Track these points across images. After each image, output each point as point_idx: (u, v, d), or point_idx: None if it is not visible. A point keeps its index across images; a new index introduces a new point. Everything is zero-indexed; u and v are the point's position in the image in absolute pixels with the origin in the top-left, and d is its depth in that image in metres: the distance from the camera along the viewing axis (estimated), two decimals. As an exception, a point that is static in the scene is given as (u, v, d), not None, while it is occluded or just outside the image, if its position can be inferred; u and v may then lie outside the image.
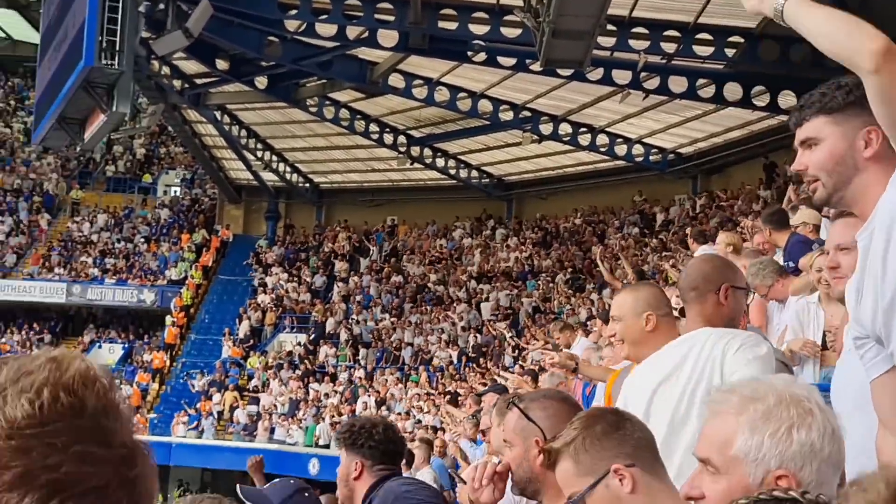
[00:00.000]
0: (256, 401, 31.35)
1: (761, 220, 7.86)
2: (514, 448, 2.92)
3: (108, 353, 37.83)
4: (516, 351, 26.54)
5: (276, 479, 3.99)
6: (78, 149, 35.28)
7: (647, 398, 3.36)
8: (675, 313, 4.42)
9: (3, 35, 48.91)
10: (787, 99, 23.02)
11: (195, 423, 31.43)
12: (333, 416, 28.93)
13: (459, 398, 22.97)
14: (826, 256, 6.10)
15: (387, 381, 29.80)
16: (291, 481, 3.72)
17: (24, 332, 38.39)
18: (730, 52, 21.28)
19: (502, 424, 4.73)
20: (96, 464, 1.03)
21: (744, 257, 7.45)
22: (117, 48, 20.43)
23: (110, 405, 1.07)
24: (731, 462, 1.89)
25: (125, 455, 1.06)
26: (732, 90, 22.87)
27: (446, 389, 25.63)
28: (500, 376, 16.00)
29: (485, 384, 21.52)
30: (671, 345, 3.50)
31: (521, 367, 20.15)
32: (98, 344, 38.16)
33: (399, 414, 26.65)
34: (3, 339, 38.04)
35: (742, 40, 21.01)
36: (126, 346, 38.02)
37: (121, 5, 20.51)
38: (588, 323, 20.01)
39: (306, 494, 3.62)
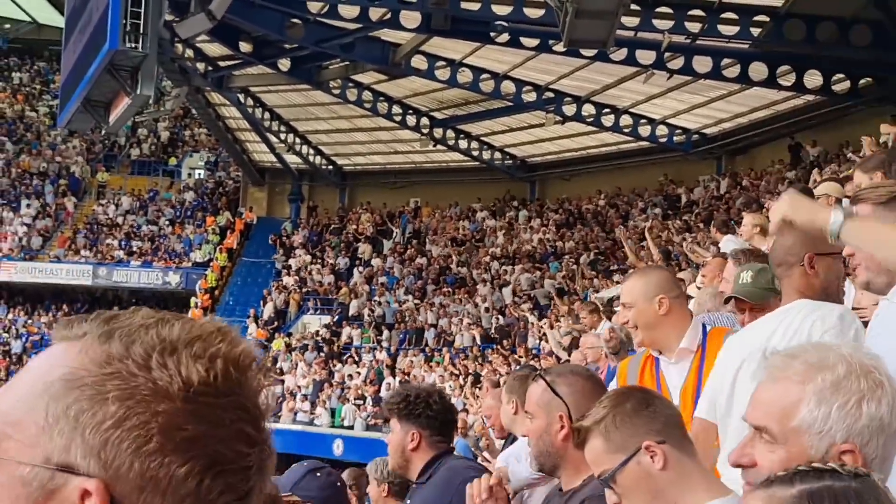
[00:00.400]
0: (281, 382, 31.50)
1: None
2: (535, 420, 2.92)
3: (134, 335, 38.11)
4: (540, 332, 26.54)
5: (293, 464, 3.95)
6: (103, 132, 35.44)
7: (732, 374, 3.23)
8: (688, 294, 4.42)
9: (29, 19, 49.14)
10: (812, 78, 22.85)
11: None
12: (357, 398, 29.06)
13: (481, 379, 23.03)
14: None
15: (410, 362, 29.87)
16: (304, 463, 3.69)
17: (50, 314, 38.74)
18: (755, 31, 21.09)
19: (511, 401, 4.73)
20: (251, 444, 1.04)
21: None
22: (141, 31, 20.48)
23: (264, 389, 1.08)
24: (792, 433, 1.80)
25: (267, 440, 1.07)
26: (758, 70, 22.69)
27: (469, 371, 25.66)
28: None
29: (508, 366, 21.58)
30: (763, 319, 3.40)
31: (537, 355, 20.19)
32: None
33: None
34: (31, 321, 38.41)
35: (767, 19, 20.82)
36: (151, 327, 38.22)
37: (144, -12, 20.57)
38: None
39: (318, 474, 3.58)
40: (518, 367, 13.24)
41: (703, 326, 3.67)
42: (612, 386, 3.82)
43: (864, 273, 2.70)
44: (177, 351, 1.02)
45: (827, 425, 1.77)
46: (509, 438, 5.45)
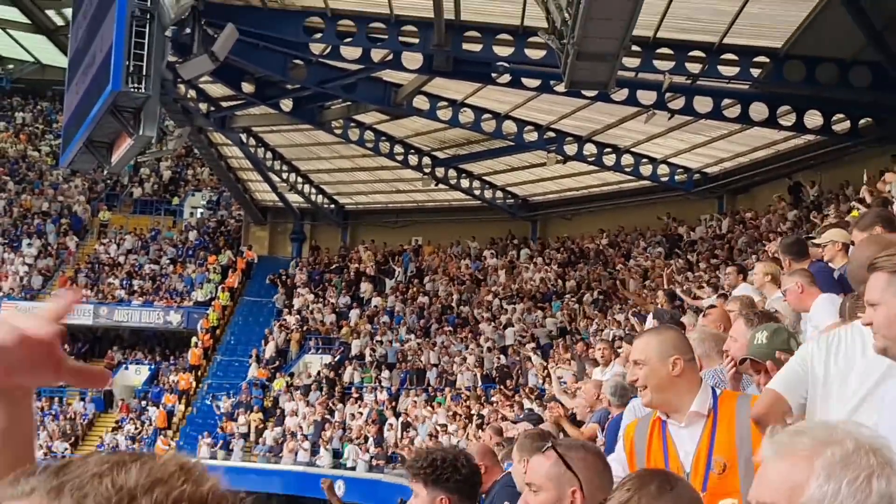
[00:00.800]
0: (282, 422, 31.35)
1: (780, 250, 7.67)
2: (541, 493, 2.86)
3: (135, 375, 38.00)
4: (544, 373, 26.44)
5: None
6: (105, 172, 35.54)
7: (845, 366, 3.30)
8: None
9: (32, 59, 49.43)
10: (813, 118, 22.92)
11: (220, 442, 31.44)
12: (359, 439, 28.89)
13: (483, 420, 22.90)
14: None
15: (413, 402, 29.73)
16: None
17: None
18: (755, 72, 21.19)
19: (523, 461, 4.67)
20: None
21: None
22: (144, 73, 20.52)
23: None
24: None
25: None
26: (758, 110, 22.79)
27: (471, 412, 25.53)
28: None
29: (510, 406, 21.45)
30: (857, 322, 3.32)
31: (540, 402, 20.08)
32: (125, 365, 38.34)
33: (428, 436, 26.59)
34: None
35: (767, 60, 20.93)
36: (152, 367, 38.16)
37: (147, 30, 20.64)
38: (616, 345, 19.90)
39: None
40: (524, 414, 13.13)
41: (713, 390, 3.59)
42: (617, 435, 3.75)
43: (882, 340, 2.71)
44: (135, 500, 0.94)
45: (837, 500, 1.70)
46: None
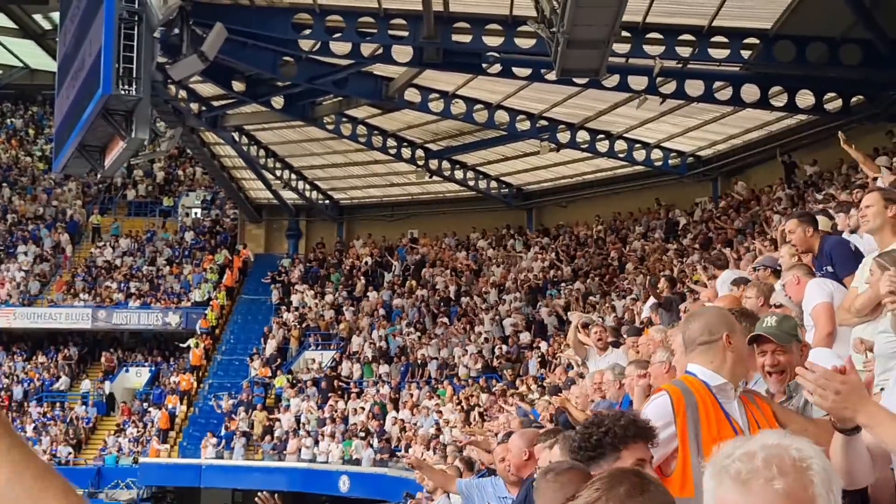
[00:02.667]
0: (284, 420, 31.37)
1: (797, 218, 7.43)
2: None
3: (136, 377, 38.01)
4: (541, 362, 26.49)
5: None
6: (99, 176, 35.47)
7: None
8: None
9: (21, 64, 49.26)
10: (804, 98, 22.94)
11: (223, 441, 31.46)
12: (362, 433, 28.92)
13: (482, 410, 22.93)
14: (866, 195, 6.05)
15: (413, 395, 29.77)
16: None
17: (50, 359, 38.61)
18: (745, 53, 21.19)
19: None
20: None
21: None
22: (134, 75, 20.49)
23: None
24: None
25: None
26: (749, 91, 22.80)
27: (472, 404, 25.56)
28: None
29: (514, 396, 21.45)
30: None
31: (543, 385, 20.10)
32: (125, 368, 38.33)
33: (431, 429, 26.61)
34: (30, 366, 38.26)
35: (757, 41, 20.93)
36: (153, 369, 38.15)
37: (136, 32, 20.59)
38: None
39: None
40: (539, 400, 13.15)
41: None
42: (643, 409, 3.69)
43: None
44: None
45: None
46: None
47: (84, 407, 36.36)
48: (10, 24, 43.65)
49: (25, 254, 41.04)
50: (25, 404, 36.37)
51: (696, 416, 3.47)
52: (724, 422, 3.46)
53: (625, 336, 11.48)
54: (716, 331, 3.62)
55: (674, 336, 4.66)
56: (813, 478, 1.74)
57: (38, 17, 43.03)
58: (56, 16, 35.22)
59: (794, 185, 25.22)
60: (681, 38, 20.88)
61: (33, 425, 34.91)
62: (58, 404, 36.53)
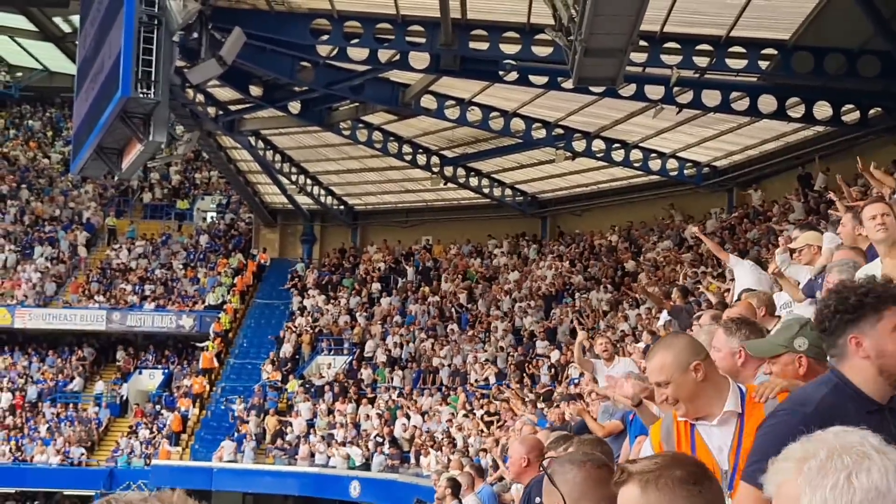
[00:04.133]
0: (296, 424, 31.41)
1: (850, 213, 7.31)
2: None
3: (149, 380, 38.12)
4: (552, 370, 26.46)
5: None
6: (116, 178, 35.67)
7: None
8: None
9: (41, 67, 49.59)
10: (822, 109, 22.88)
11: (236, 444, 31.52)
12: (373, 439, 28.92)
13: (497, 417, 22.91)
14: (879, 204, 5.93)
15: (426, 401, 29.76)
16: None
17: (65, 360, 38.76)
18: (763, 64, 21.17)
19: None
20: None
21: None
22: (153, 78, 20.59)
23: None
24: None
25: None
26: (767, 102, 22.76)
27: (485, 411, 25.54)
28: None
29: (523, 404, 21.43)
30: None
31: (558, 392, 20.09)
32: (138, 370, 38.45)
33: (442, 433, 26.60)
34: (45, 367, 38.42)
35: (775, 52, 20.90)
36: (166, 371, 38.27)
37: (155, 36, 20.70)
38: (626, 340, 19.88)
39: None
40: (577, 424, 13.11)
41: (740, 388, 3.55)
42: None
43: None
44: None
45: None
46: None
47: (97, 408, 36.50)
48: (31, 27, 43.97)
49: (42, 255, 41.23)
50: (40, 404, 36.52)
51: (672, 446, 3.48)
52: (688, 450, 3.43)
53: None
54: (685, 361, 3.48)
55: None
56: None
57: (58, 21, 43.34)
58: (76, 19, 35.46)
59: (810, 196, 25.14)
60: (698, 48, 20.84)
61: (47, 425, 35.06)
62: (71, 405, 36.67)
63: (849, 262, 6.00)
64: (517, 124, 27.59)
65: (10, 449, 34.23)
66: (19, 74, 51.11)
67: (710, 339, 4.51)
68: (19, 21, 43.32)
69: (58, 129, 50.54)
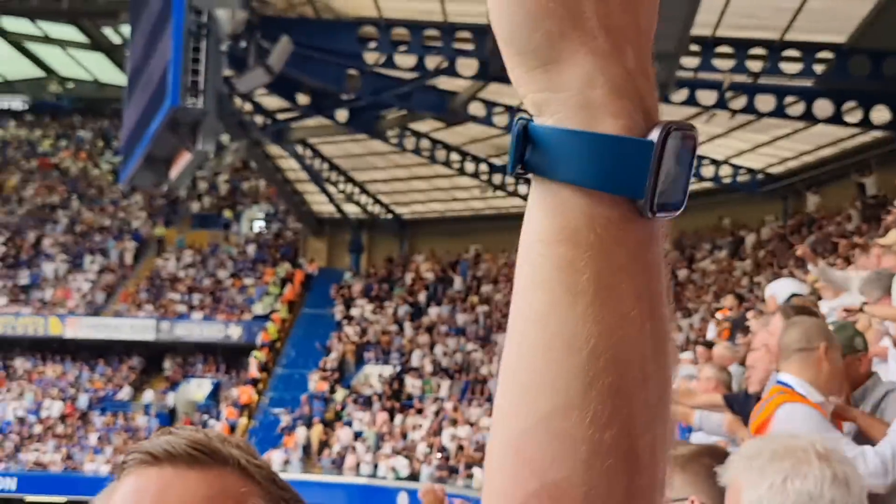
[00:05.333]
0: (343, 434, 31.30)
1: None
2: None
3: (197, 389, 38.25)
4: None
5: None
6: (165, 188, 35.91)
7: None
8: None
9: (91, 78, 50.17)
10: (880, 114, 22.33)
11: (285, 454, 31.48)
12: (421, 449, 28.72)
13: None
14: None
15: (474, 412, 29.51)
16: None
17: (114, 369, 39.04)
18: (818, 67, 20.72)
19: None
20: None
21: None
22: (201, 87, 20.66)
23: None
24: None
25: None
26: (822, 107, 22.24)
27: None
28: None
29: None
30: None
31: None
32: (186, 380, 38.61)
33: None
34: (95, 376, 38.72)
35: (831, 55, 20.45)
36: (214, 381, 38.37)
37: (204, 46, 20.76)
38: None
39: None
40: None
41: None
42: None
43: None
44: None
45: None
46: None
47: (146, 417, 36.68)
48: (81, 38, 44.49)
49: (92, 264, 41.60)
50: (90, 413, 36.79)
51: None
52: None
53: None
54: (814, 340, 3.43)
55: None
56: None
57: (108, 32, 43.78)
58: (126, 29, 35.74)
59: (867, 203, 24.57)
60: (751, 51, 20.46)
61: (97, 434, 35.30)
62: (121, 414, 36.89)
63: None
64: (566, 131, 27.26)
65: (62, 457, 34.50)
66: (70, 86, 51.77)
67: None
68: (70, 32, 43.86)
69: (108, 140, 51.07)
